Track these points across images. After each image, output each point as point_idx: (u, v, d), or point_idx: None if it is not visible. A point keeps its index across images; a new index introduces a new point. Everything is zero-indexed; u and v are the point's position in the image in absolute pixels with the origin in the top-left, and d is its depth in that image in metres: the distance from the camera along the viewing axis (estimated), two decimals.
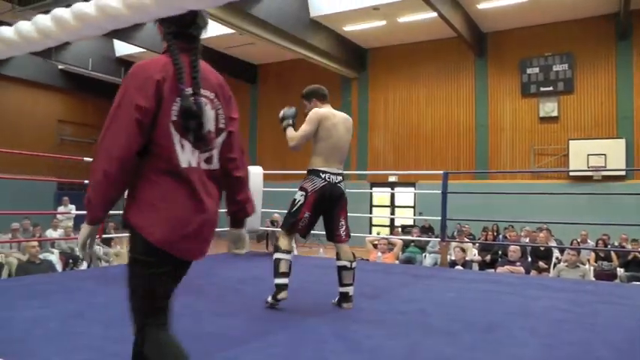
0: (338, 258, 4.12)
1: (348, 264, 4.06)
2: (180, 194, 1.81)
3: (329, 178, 4.06)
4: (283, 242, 4.05)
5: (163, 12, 0.65)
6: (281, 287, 3.95)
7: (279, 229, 4.22)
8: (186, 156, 1.84)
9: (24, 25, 0.74)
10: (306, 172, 4.20)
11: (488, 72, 15.90)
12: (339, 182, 4.11)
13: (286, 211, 4.13)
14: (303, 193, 4.07)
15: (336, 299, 4.14)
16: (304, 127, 4.09)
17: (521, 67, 15.30)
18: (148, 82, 1.78)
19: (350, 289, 4.08)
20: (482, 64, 15.96)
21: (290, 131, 4.21)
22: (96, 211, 1.82)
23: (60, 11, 0.70)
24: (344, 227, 4.13)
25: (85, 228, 1.85)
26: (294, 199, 4.08)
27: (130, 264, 1.89)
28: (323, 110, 4.16)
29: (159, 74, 1.81)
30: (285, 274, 3.97)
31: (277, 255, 4.01)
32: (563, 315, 4.00)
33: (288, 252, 4.02)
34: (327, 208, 4.11)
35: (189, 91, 1.84)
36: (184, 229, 1.82)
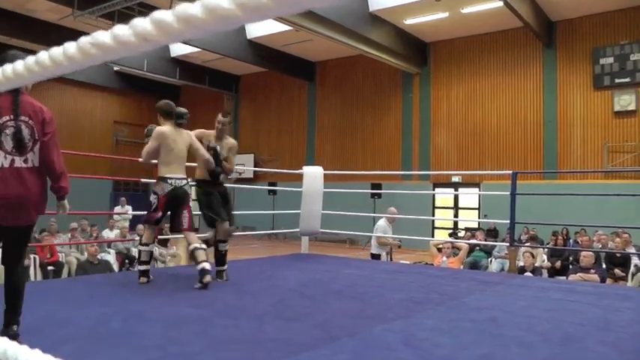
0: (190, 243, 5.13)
1: (197, 245, 5.02)
2: None
3: (174, 182, 5.05)
4: (145, 236, 5.17)
5: (283, 11, 0.66)
6: (141, 273, 5.06)
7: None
8: (1, 160, 2.92)
9: (121, 30, 0.79)
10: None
11: (557, 63, 15.47)
12: (184, 185, 5.09)
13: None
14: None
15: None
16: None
17: (593, 57, 14.80)
18: None
19: (204, 264, 4.88)
20: (551, 55, 15.54)
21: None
22: None
23: (161, 14, 0.75)
24: (187, 218, 5.12)
25: None
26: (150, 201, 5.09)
27: None
28: (164, 128, 5.11)
29: None
30: (145, 262, 5.08)
31: (140, 247, 5.15)
32: None
33: (147, 244, 5.13)
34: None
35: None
36: None
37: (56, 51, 0.84)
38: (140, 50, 0.77)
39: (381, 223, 8.88)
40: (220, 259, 5.60)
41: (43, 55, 0.86)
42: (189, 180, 5.19)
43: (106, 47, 0.77)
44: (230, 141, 5.68)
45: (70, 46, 0.83)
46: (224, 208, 5.63)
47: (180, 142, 5.11)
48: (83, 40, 0.82)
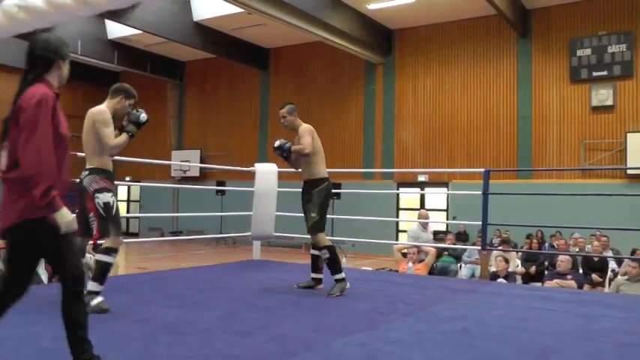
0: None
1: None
2: None
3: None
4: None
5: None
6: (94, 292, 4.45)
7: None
8: None
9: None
10: None
11: (532, 55, 15.77)
12: (83, 178, 4.60)
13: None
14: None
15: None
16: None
17: (570, 49, 15.14)
18: None
19: (89, 284, 4.39)
20: (526, 46, 15.83)
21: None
22: None
23: None
24: (94, 224, 4.52)
25: None
26: (108, 203, 4.52)
27: None
28: None
29: None
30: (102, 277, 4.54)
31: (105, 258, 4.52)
32: (629, 338, 3.92)
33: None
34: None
35: None
36: None
37: None
38: (79, 15, 0.69)
39: (413, 227, 9.44)
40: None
41: None
42: (88, 172, 4.60)
43: (37, 11, 0.69)
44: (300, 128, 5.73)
45: None
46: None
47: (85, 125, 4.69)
48: (8, 2, 0.73)
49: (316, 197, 5.51)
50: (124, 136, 4.58)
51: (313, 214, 5.42)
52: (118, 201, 4.66)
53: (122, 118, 4.62)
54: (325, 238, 5.45)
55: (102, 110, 4.59)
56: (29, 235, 2.71)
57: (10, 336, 3.51)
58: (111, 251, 4.51)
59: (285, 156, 5.75)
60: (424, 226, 9.03)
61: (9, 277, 2.82)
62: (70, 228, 2.72)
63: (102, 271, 4.47)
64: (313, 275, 5.66)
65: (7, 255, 2.83)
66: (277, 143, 5.73)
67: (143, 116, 4.67)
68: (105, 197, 4.50)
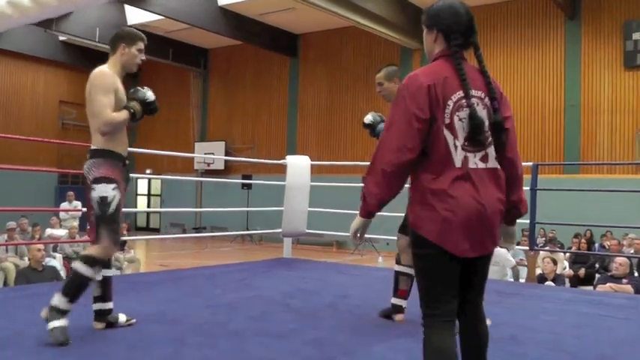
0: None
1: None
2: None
3: None
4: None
5: None
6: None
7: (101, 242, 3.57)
8: (459, 156, 2.30)
9: None
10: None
11: (582, 38, 15.51)
12: (85, 163, 3.76)
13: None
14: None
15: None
16: None
17: (625, 32, 14.86)
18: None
19: (56, 298, 3.45)
20: (575, 29, 15.58)
21: None
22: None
23: None
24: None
25: (357, 219, 2.44)
26: (105, 198, 3.59)
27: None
28: None
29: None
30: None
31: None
32: None
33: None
34: None
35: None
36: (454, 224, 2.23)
37: None
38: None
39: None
40: None
41: None
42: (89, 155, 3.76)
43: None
44: None
45: None
46: None
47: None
48: None
49: None
50: (123, 112, 3.65)
51: None
52: (123, 195, 3.73)
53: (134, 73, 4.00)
54: None
55: (101, 73, 3.76)
56: None
57: (29, 335, 3.57)
58: (96, 262, 3.51)
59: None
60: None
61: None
62: None
63: (77, 286, 3.47)
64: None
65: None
66: (369, 119, 4.84)
67: (150, 94, 3.79)
68: (103, 190, 3.58)
